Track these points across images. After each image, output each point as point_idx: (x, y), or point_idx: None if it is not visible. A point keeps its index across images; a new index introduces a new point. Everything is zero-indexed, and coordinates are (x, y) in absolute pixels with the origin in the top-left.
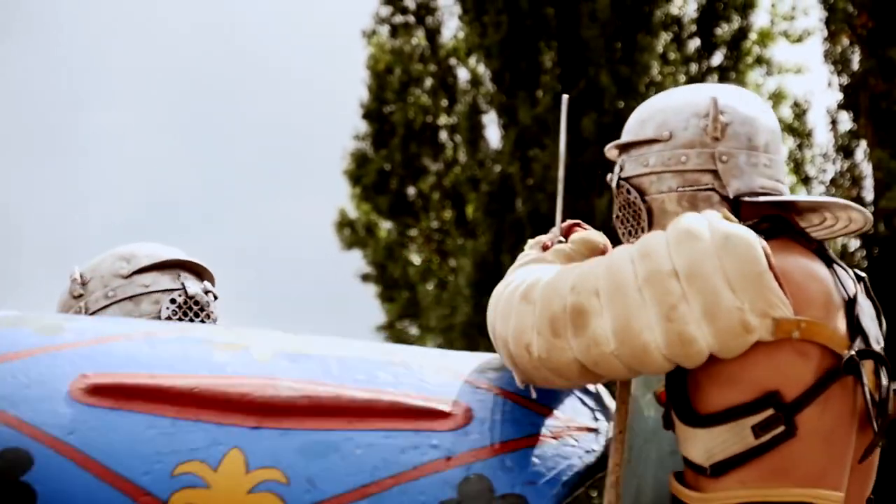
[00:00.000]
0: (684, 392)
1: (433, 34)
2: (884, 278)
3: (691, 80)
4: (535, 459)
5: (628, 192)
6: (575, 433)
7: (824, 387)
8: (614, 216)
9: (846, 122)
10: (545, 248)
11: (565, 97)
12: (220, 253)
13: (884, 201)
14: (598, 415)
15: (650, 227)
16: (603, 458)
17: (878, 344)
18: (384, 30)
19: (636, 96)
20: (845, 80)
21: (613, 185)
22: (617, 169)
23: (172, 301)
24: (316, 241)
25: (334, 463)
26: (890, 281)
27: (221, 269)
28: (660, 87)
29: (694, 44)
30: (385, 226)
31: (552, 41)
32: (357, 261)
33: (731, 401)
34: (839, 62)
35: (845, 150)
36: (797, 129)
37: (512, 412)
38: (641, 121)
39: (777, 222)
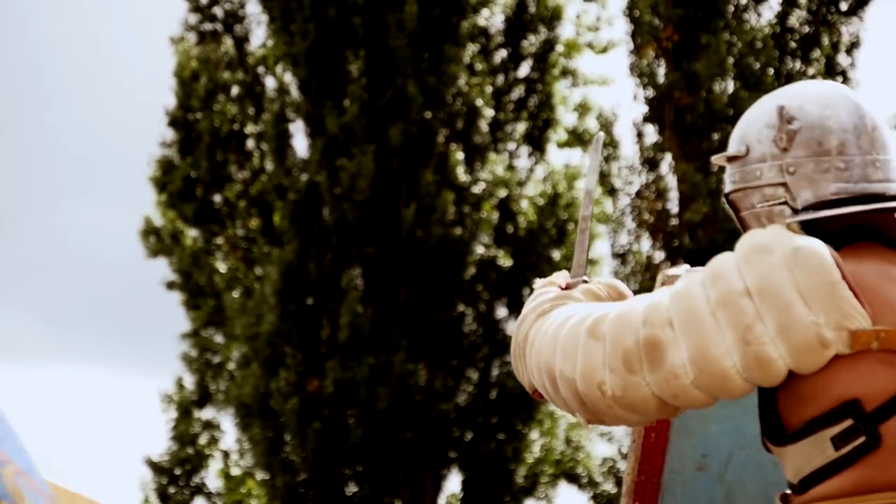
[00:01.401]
0: (773, 411)
1: (241, 42)
2: None
3: (498, 91)
4: None
5: (728, 207)
6: None
7: None
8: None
9: (652, 134)
10: (565, 287)
11: (601, 135)
12: (17, 261)
13: (688, 214)
14: None
15: None
16: None
17: None
18: (192, 37)
19: (443, 106)
20: (651, 92)
21: (722, 199)
22: (724, 182)
23: None
24: (120, 249)
25: None
26: None
27: (18, 278)
28: (466, 98)
29: (501, 55)
30: (191, 233)
31: (360, 50)
32: (162, 268)
33: (810, 413)
34: (645, 75)
35: (651, 163)
36: (604, 142)
37: None
38: (733, 134)
39: (851, 229)
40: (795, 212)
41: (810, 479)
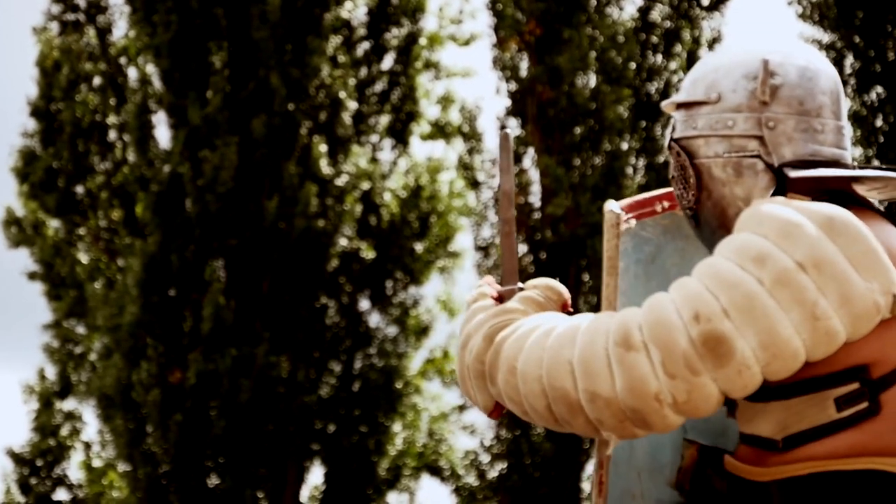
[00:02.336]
0: None
1: (103, 33)
2: None
3: (361, 83)
4: None
5: (678, 154)
6: None
7: None
8: (670, 176)
9: (515, 128)
10: (497, 298)
11: (509, 132)
12: None
13: (550, 208)
14: None
15: (699, 191)
16: None
17: None
18: (55, 27)
19: (306, 98)
20: (514, 86)
21: (666, 143)
22: (670, 127)
23: None
24: None
25: None
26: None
27: None
28: (330, 90)
29: (364, 47)
30: (53, 224)
31: (222, 42)
32: (24, 259)
33: (814, 372)
34: (508, 68)
35: (514, 156)
36: (467, 134)
37: None
38: (694, 80)
39: (836, 194)
40: (769, 167)
41: (801, 436)
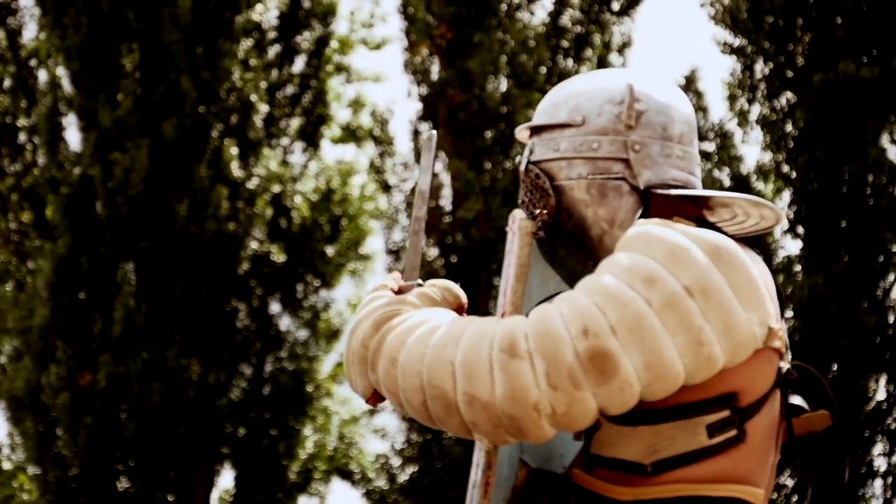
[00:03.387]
0: None
1: (13, 35)
2: (463, 287)
3: (272, 86)
4: None
5: (537, 176)
6: None
7: (770, 394)
8: (520, 200)
9: (426, 131)
10: (395, 291)
11: (434, 133)
12: None
13: (461, 211)
14: None
15: (559, 213)
16: None
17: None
18: None
19: (217, 101)
20: (425, 90)
21: (522, 167)
22: (527, 152)
23: None
24: None
25: None
26: (466, 288)
27: None
28: (241, 93)
29: (275, 50)
30: None
31: (133, 44)
32: None
33: (688, 398)
34: (419, 72)
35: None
36: (379, 138)
37: None
38: (555, 104)
39: (707, 223)
40: (634, 189)
41: (672, 461)
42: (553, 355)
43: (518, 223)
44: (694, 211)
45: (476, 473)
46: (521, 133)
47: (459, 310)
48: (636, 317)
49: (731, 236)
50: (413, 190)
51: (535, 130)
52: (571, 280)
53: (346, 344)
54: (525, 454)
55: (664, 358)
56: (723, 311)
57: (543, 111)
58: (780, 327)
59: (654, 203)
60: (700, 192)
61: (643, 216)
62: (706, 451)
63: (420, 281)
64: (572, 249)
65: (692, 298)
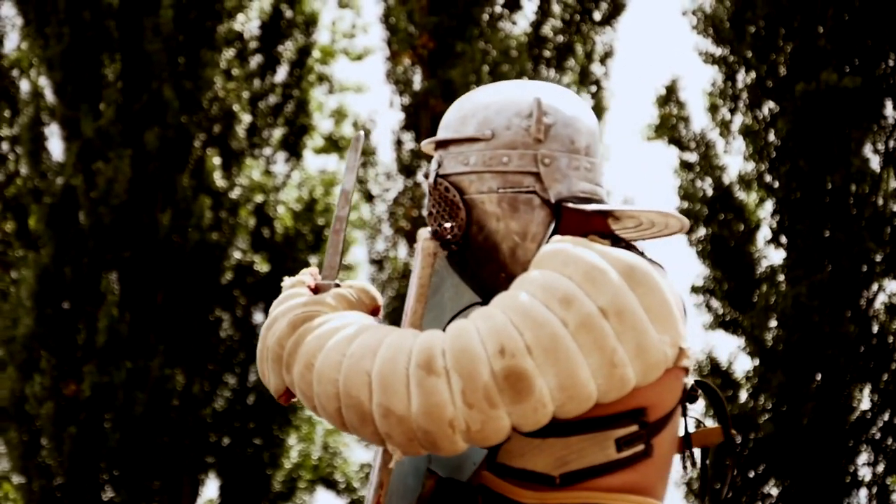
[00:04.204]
0: None
1: None
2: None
3: (254, 96)
4: None
5: (447, 189)
6: None
7: (675, 410)
8: (427, 213)
9: (409, 142)
10: (311, 289)
11: (361, 134)
12: None
13: None
14: None
15: (469, 227)
16: None
17: None
18: None
19: (199, 111)
20: (407, 100)
21: (430, 181)
22: (434, 165)
23: None
24: None
25: None
26: None
27: None
28: (223, 103)
29: (257, 60)
30: None
31: (115, 54)
32: None
33: (598, 412)
34: (401, 82)
35: (407, 170)
36: (362, 148)
37: None
38: (463, 117)
39: (615, 237)
40: (545, 202)
41: (581, 473)
42: (469, 373)
43: (421, 243)
44: (600, 222)
45: (369, 492)
46: (428, 146)
47: (375, 312)
48: (552, 337)
49: (633, 245)
50: (395, 199)
51: (443, 144)
52: (484, 293)
53: (261, 338)
54: (434, 464)
55: (578, 379)
56: (636, 333)
57: (450, 124)
58: (689, 346)
59: (566, 216)
60: (611, 207)
61: (555, 229)
62: (614, 464)
63: (338, 281)
64: (483, 262)
65: (607, 320)
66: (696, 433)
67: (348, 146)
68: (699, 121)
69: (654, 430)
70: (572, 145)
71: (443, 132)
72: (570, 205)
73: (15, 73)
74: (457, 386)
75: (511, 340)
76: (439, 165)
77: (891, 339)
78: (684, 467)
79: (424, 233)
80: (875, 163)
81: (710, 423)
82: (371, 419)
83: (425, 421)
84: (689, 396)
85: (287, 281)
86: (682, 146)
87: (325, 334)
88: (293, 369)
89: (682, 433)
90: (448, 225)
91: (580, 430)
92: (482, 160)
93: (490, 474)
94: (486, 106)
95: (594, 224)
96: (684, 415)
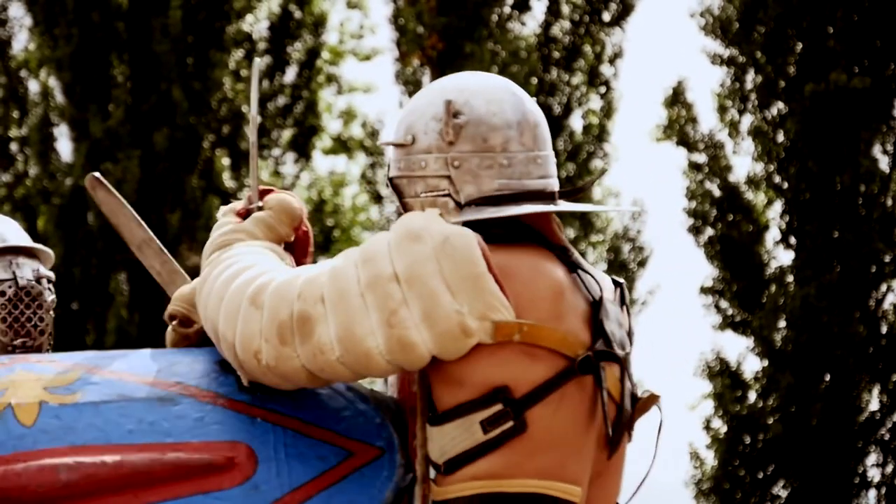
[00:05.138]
0: (427, 393)
1: (3, 45)
2: None
3: (263, 97)
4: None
5: (392, 192)
6: (369, 463)
7: (557, 385)
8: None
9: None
10: (241, 214)
11: (259, 61)
12: None
13: None
14: (385, 431)
15: None
16: (403, 485)
17: (622, 349)
18: None
19: (208, 111)
20: None
21: (387, 183)
22: (387, 167)
23: (2, 294)
24: None
25: None
26: None
27: None
28: (232, 104)
29: (266, 61)
30: None
31: (124, 54)
32: None
33: (460, 398)
34: (410, 83)
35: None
36: (370, 149)
37: (295, 445)
38: (398, 121)
39: (513, 227)
40: (458, 205)
41: (456, 460)
42: (274, 310)
43: None
44: (531, 217)
45: None
46: (383, 146)
47: (297, 229)
48: (341, 291)
49: (563, 245)
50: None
51: (391, 146)
52: None
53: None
54: None
55: (354, 334)
56: (423, 300)
57: (396, 126)
58: (526, 322)
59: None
60: (485, 215)
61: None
62: (484, 446)
63: (260, 204)
64: None
65: (396, 283)
66: (640, 403)
67: (357, 147)
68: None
69: (522, 406)
70: (485, 143)
71: (392, 135)
72: (468, 209)
73: (23, 73)
74: (266, 320)
75: (312, 288)
76: (388, 167)
77: None
78: (617, 440)
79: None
80: (884, 163)
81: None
82: (219, 343)
83: (240, 349)
84: (583, 367)
85: (221, 210)
86: (691, 147)
87: (220, 268)
88: (199, 304)
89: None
90: None
91: (449, 418)
92: (407, 165)
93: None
94: (412, 110)
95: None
96: (599, 386)
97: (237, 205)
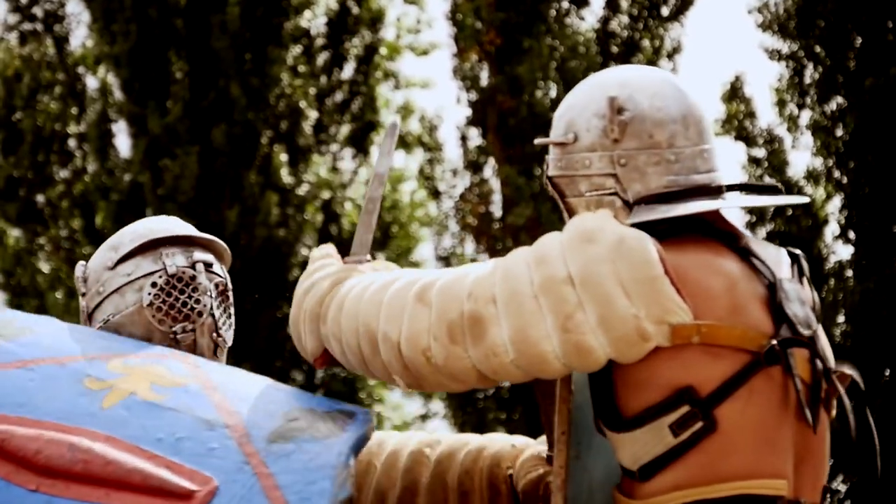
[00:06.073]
0: (609, 396)
1: (61, 42)
2: None
3: (321, 93)
4: None
5: (552, 192)
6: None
7: (744, 380)
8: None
9: (476, 138)
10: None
11: (396, 120)
12: None
13: (511, 217)
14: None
15: None
16: None
17: (808, 328)
18: (14, 37)
19: (266, 108)
20: (474, 96)
21: (545, 181)
22: (546, 166)
23: (153, 285)
24: None
25: None
26: None
27: None
28: (290, 100)
29: (324, 57)
30: (13, 233)
31: (182, 51)
32: None
33: (646, 402)
34: (468, 78)
35: (474, 166)
36: (427, 144)
37: (249, 497)
38: (557, 119)
39: (677, 221)
40: (626, 204)
41: (651, 465)
42: (443, 308)
43: None
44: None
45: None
46: (543, 143)
47: None
48: (513, 292)
49: (733, 231)
50: (462, 196)
51: (548, 145)
52: None
53: (296, 303)
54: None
55: (528, 336)
56: (599, 303)
57: (553, 124)
58: (704, 322)
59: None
60: (657, 214)
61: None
62: (676, 449)
63: (369, 257)
64: None
65: (571, 286)
66: (835, 381)
67: (415, 143)
68: (766, 116)
69: (710, 405)
70: (651, 139)
71: (550, 134)
72: (639, 208)
73: (81, 70)
74: (434, 318)
75: (482, 288)
76: (547, 166)
77: None
78: (815, 422)
79: None
80: None
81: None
82: (377, 347)
83: (406, 347)
84: (769, 358)
85: (315, 252)
86: (750, 142)
87: (360, 284)
88: (328, 318)
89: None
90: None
91: (637, 424)
92: (569, 164)
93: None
94: (571, 107)
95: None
96: (788, 373)
97: (329, 248)
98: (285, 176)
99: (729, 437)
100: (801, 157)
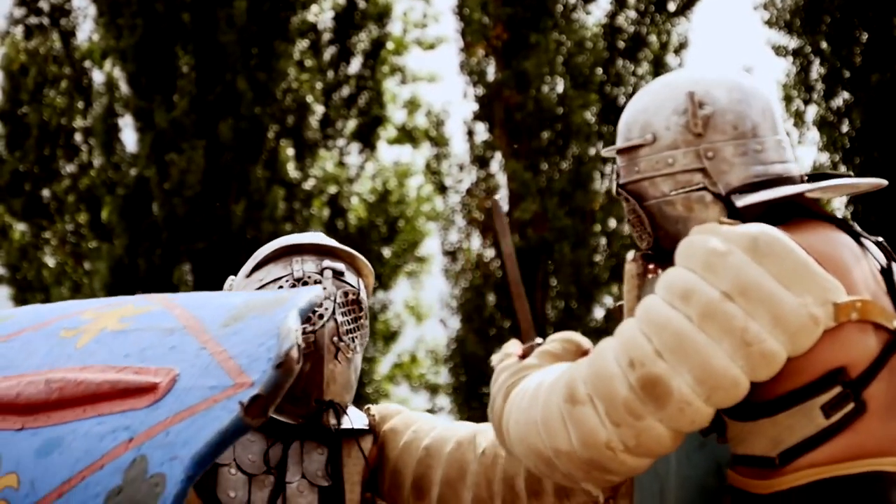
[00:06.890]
0: None
1: (67, 36)
2: None
3: (328, 87)
4: (192, 429)
5: (627, 199)
6: (234, 392)
7: (886, 359)
8: (627, 221)
9: (482, 132)
10: (521, 355)
11: (497, 199)
12: None
13: (517, 212)
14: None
15: (655, 232)
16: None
17: None
18: (19, 31)
19: (273, 102)
20: (481, 90)
21: (614, 191)
22: (615, 175)
23: (279, 288)
24: None
25: (54, 460)
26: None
27: None
28: (296, 94)
29: (331, 51)
30: (19, 227)
31: (189, 45)
32: None
33: (794, 384)
34: (475, 73)
35: (481, 161)
36: (434, 139)
37: (206, 372)
38: (628, 124)
39: (779, 208)
40: (717, 196)
41: (796, 449)
42: (607, 393)
43: (626, 266)
44: (794, 196)
45: None
46: (610, 154)
47: (584, 355)
48: (676, 335)
49: (833, 215)
50: (468, 190)
51: (619, 152)
52: None
53: (492, 420)
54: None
55: (714, 369)
56: (767, 305)
57: (620, 132)
58: (858, 297)
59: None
60: (768, 195)
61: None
62: (827, 431)
63: (539, 340)
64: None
65: (732, 301)
66: None
67: (421, 137)
68: None
69: (860, 385)
70: (736, 131)
71: (617, 141)
72: (737, 196)
73: (88, 64)
74: (601, 409)
75: (639, 350)
76: (618, 175)
77: None
78: None
79: (629, 255)
80: None
81: None
82: (552, 463)
83: (585, 450)
84: None
85: (495, 357)
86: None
87: (518, 399)
88: (506, 440)
89: None
90: (643, 244)
91: (783, 406)
92: (650, 165)
93: (731, 471)
94: (644, 109)
95: (775, 201)
96: None
97: (511, 347)
98: (292, 170)
99: (875, 417)
100: (808, 152)
